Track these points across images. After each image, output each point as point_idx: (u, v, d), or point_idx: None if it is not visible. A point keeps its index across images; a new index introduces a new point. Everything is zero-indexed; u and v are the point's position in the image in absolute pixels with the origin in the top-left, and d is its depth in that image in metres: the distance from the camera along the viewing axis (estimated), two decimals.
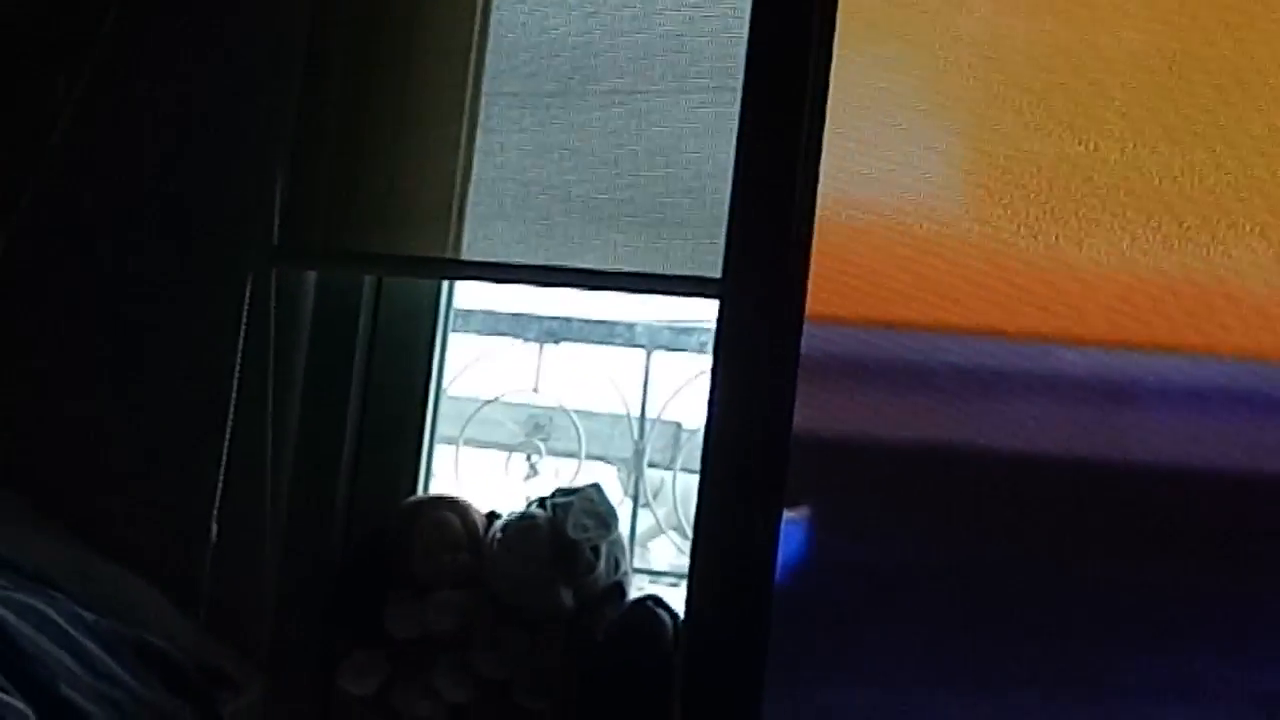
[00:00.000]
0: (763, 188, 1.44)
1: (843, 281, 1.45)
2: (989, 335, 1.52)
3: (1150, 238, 1.53)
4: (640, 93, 2.19)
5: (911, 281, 1.48)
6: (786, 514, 1.47)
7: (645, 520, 2.57)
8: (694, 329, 2.42)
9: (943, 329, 1.51)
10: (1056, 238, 1.53)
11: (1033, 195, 1.55)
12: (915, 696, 1.59)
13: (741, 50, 2.08)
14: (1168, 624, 1.58)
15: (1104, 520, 1.57)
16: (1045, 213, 1.54)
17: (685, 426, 2.57)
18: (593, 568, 2.17)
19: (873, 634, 1.58)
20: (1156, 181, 1.54)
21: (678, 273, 2.15)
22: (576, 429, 2.51)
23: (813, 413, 1.45)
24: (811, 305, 1.40)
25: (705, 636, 1.43)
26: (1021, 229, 1.54)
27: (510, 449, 2.58)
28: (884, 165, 1.46)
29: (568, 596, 2.16)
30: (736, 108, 2.11)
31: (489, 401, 2.52)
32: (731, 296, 1.44)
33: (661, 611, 2.15)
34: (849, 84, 1.45)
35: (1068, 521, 1.58)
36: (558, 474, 2.59)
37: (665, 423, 2.55)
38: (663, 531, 2.58)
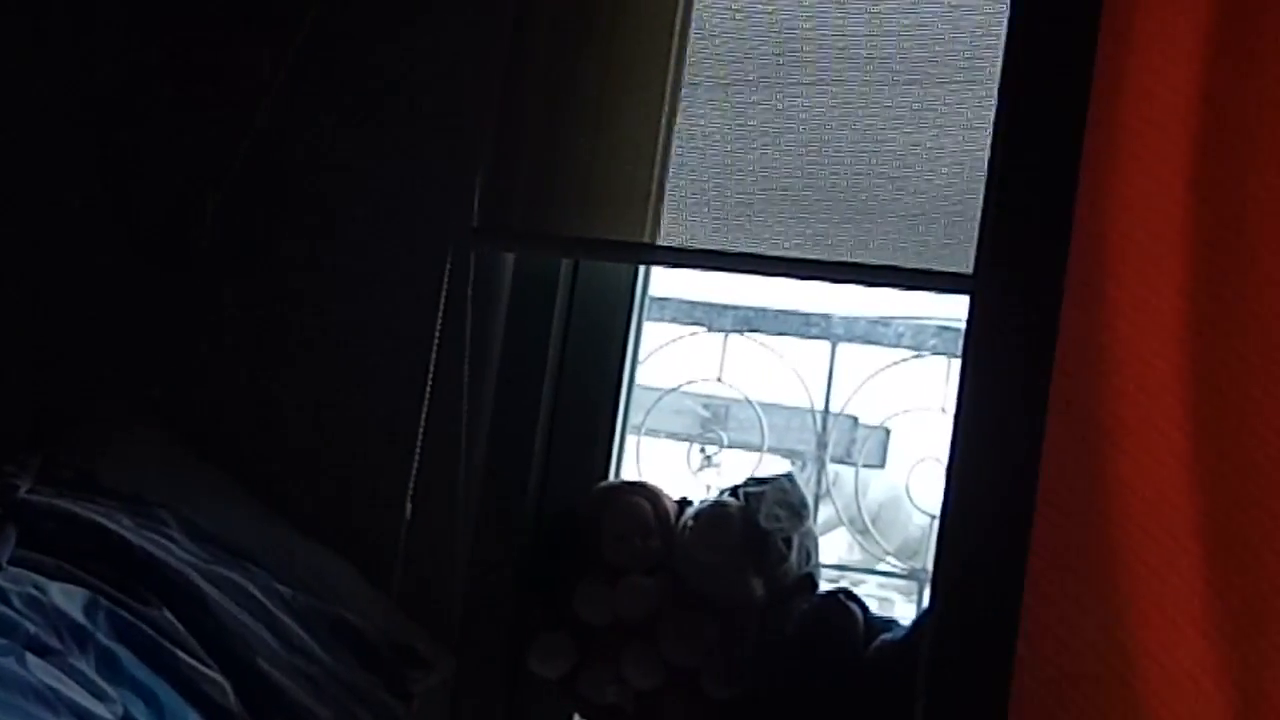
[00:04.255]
0: (1022, 181, 1.41)
1: None
2: None
3: None
4: (844, 81, 2.17)
5: None
6: None
7: (820, 514, 2.55)
8: (890, 321, 2.41)
9: None
10: None
11: None
12: None
13: (949, 37, 2.07)
14: None
15: None
16: None
17: (862, 421, 2.55)
18: (784, 558, 2.15)
19: None
20: None
21: (878, 262, 2.14)
22: (760, 420, 2.50)
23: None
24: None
25: (954, 631, 1.40)
26: None
27: (690, 439, 2.57)
28: None
29: (758, 586, 2.14)
30: (943, 95, 2.10)
31: (670, 390, 2.52)
32: (985, 292, 1.41)
33: (852, 605, 2.13)
34: None
35: None
36: (720, 467, 2.58)
37: (844, 417, 2.53)
38: (841, 523, 2.56)
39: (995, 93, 1.62)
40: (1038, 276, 1.39)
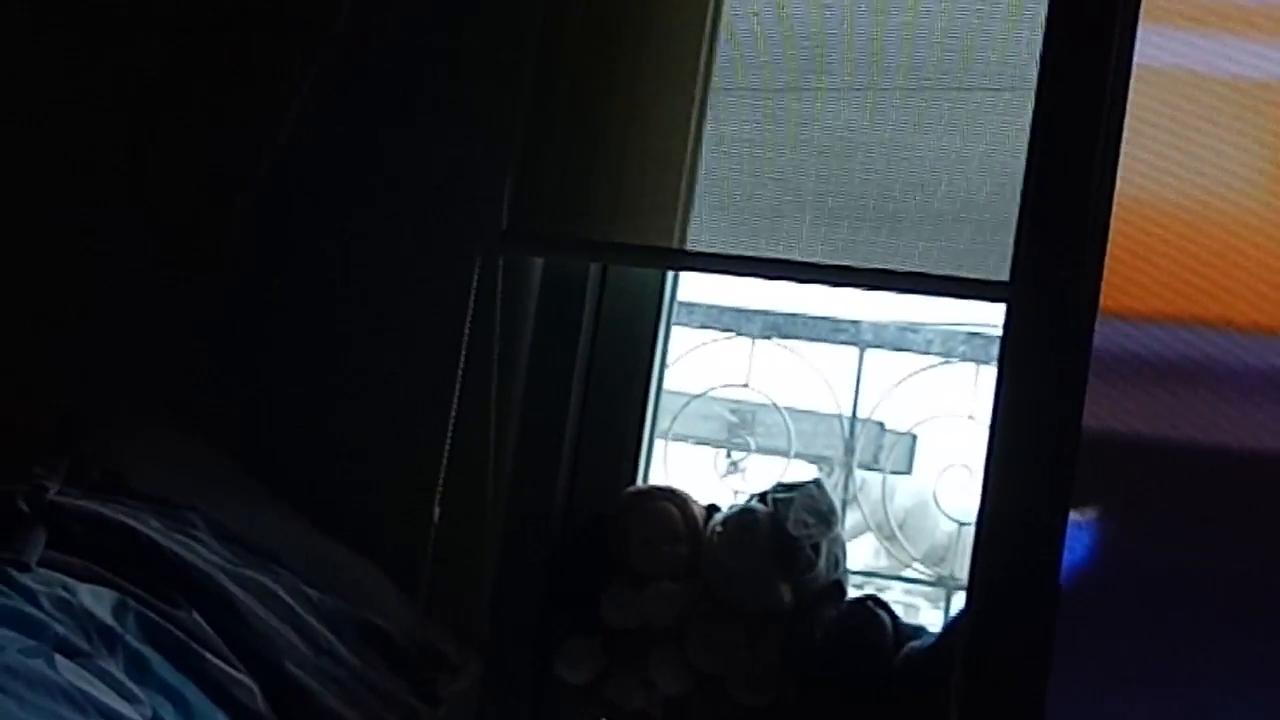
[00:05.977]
0: (1057, 190, 1.40)
1: (1137, 276, 1.41)
2: None
3: None
4: (875, 86, 2.17)
5: (1212, 278, 1.44)
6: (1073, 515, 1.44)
7: (847, 520, 2.55)
8: (919, 327, 2.40)
9: (1240, 328, 1.47)
10: None
11: None
12: (1206, 703, 1.54)
13: (982, 42, 2.06)
14: None
15: None
16: None
17: (890, 427, 2.54)
18: (813, 565, 2.15)
19: (1163, 638, 1.54)
20: None
21: (910, 269, 2.13)
22: (787, 426, 2.49)
23: (1102, 411, 1.42)
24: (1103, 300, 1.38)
25: (989, 638, 1.39)
26: None
27: (717, 445, 2.57)
28: (1185, 158, 1.42)
29: (786, 593, 2.14)
30: (976, 101, 2.09)
31: (698, 396, 2.51)
32: (1022, 299, 1.41)
33: (881, 612, 2.13)
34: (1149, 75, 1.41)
35: None
36: (747, 472, 2.58)
37: (872, 423, 2.53)
38: (868, 529, 2.55)
39: (1030, 99, 1.61)
40: (1074, 283, 1.38)
